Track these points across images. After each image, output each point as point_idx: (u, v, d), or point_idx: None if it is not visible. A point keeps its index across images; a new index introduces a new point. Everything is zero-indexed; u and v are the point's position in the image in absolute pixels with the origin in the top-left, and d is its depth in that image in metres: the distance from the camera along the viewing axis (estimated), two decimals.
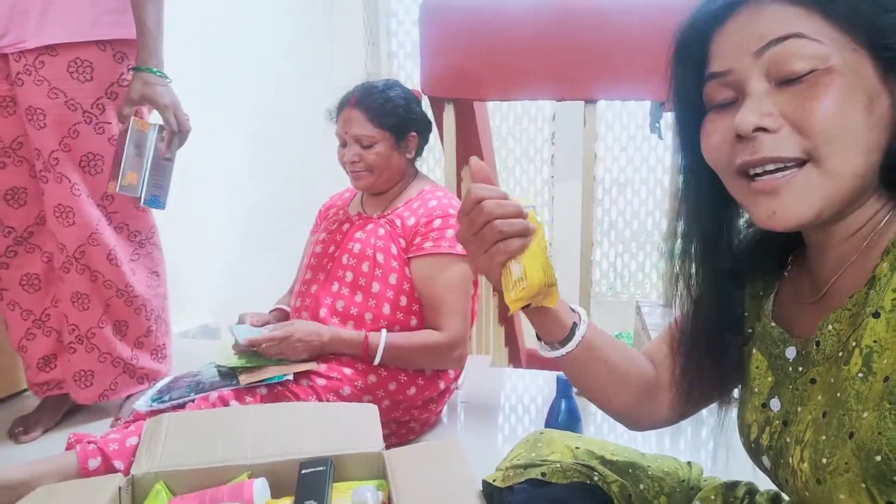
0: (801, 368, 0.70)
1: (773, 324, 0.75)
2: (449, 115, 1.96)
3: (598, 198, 4.88)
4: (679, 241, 0.80)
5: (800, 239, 0.74)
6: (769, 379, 0.75)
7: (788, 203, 0.62)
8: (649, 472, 0.90)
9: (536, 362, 2.80)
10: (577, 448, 0.92)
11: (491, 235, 0.72)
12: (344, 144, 1.59)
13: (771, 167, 0.63)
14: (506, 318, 2.99)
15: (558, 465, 0.88)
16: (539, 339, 0.86)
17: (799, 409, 0.69)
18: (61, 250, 1.58)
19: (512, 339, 3.18)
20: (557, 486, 0.86)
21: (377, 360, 1.47)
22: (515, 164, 5.01)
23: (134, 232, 1.68)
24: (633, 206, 4.93)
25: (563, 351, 0.84)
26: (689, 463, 0.96)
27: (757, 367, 0.77)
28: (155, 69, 1.48)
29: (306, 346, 1.44)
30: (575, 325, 0.84)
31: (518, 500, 0.87)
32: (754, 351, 0.78)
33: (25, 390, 1.89)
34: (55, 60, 1.48)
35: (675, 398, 0.86)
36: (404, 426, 1.56)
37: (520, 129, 4.95)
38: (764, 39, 0.62)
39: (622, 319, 4.36)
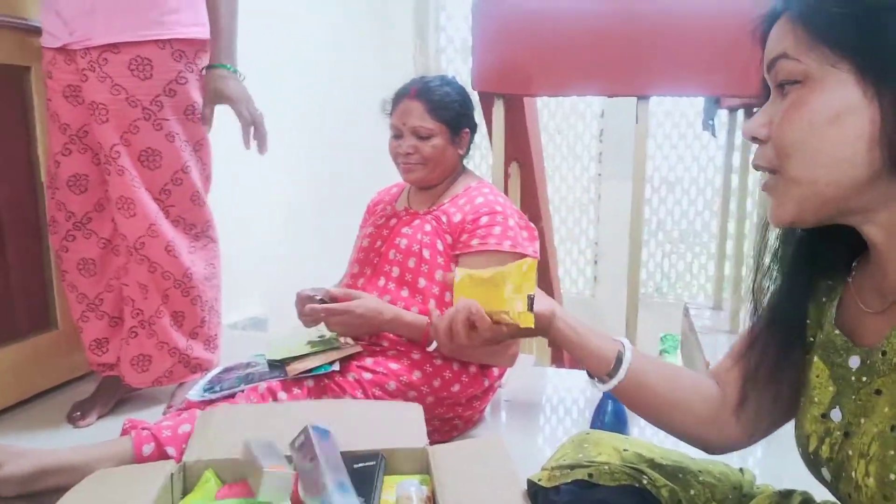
0: (864, 378, 0.68)
1: (837, 331, 0.73)
2: (498, 110, 1.95)
3: (647, 196, 4.79)
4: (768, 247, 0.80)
5: (863, 243, 0.71)
6: (830, 388, 0.72)
7: (774, 205, 0.69)
8: (700, 478, 0.88)
9: (579, 363, 2.76)
10: (626, 450, 0.90)
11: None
12: (399, 136, 1.59)
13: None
14: None
15: (606, 467, 0.86)
16: (589, 375, 0.92)
17: (862, 421, 0.66)
18: (123, 240, 1.64)
19: None
20: (604, 488, 0.85)
21: (433, 347, 1.47)
22: (562, 162, 4.95)
23: (190, 225, 1.72)
24: (682, 206, 4.82)
25: (613, 383, 0.88)
26: (740, 469, 0.94)
27: (817, 377, 0.74)
28: (228, 65, 1.54)
29: (366, 322, 1.45)
30: (620, 354, 0.87)
31: (564, 501, 0.86)
32: (815, 359, 0.75)
33: (85, 375, 1.95)
34: (117, 58, 1.53)
35: (745, 418, 0.84)
36: (448, 423, 1.56)
37: (567, 126, 4.89)
38: (768, 56, 0.69)
39: (668, 321, 4.28)
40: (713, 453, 0.91)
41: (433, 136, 1.57)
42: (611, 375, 0.87)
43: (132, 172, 1.59)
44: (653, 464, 0.88)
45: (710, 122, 2.60)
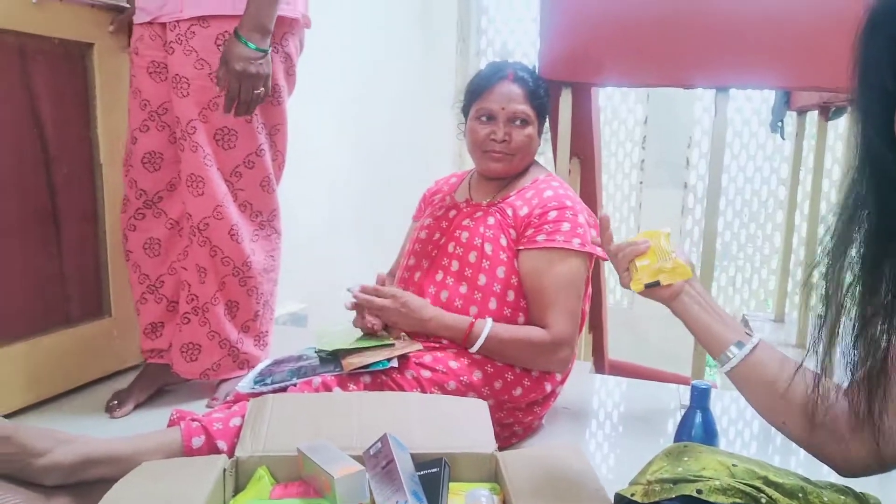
0: None
1: None
2: (566, 99, 1.86)
3: (690, 206, 4.66)
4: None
5: None
6: None
7: None
8: (824, 498, 0.78)
9: (619, 373, 2.67)
10: (735, 465, 0.82)
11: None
12: (490, 120, 1.49)
13: None
14: (595, 326, 2.87)
15: (717, 483, 0.77)
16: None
17: None
18: (188, 220, 1.60)
19: (599, 349, 3.05)
20: None
21: (475, 348, 1.39)
22: (604, 169, 4.84)
23: (257, 212, 1.68)
24: (743, 218, 4.64)
25: (727, 367, 0.91)
26: (862, 493, 0.83)
27: None
28: (243, 38, 1.44)
29: (405, 316, 1.39)
30: (740, 344, 0.90)
31: None
32: None
33: (136, 366, 1.88)
34: (205, 32, 1.50)
35: (868, 434, 0.78)
36: (507, 429, 1.47)
37: (609, 132, 4.79)
38: None
39: None
40: (842, 472, 0.83)
41: (530, 124, 1.48)
42: (724, 358, 0.91)
43: (206, 150, 1.55)
44: (767, 481, 0.79)
45: (780, 123, 2.49)
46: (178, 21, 1.51)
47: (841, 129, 3.52)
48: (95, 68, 1.72)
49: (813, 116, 2.64)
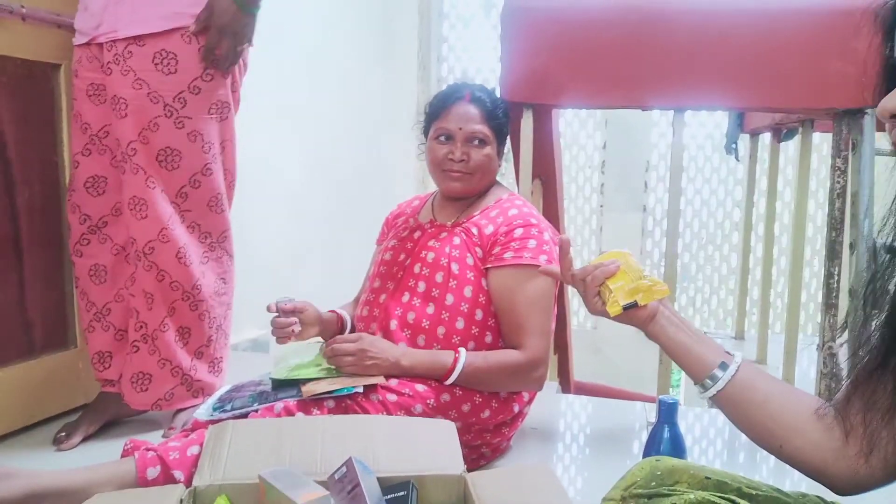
0: None
1: None
2: (527, 121, 1.87)
3: (649, 229, 4.74)
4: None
5: None
6: None
7: None
8: None
9: (585, 394, 2.67)
10: (708, 478, 0.81)
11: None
12: (448, 141, 1.49)
13: None
14: (560, 347, 2.87)
15: (691, 496, 0.76)
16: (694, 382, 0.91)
17: None
18: (132, 244, 1.55)
19: (564, 370, 3.04)
20: None
21: (451, 379, 1.36)
22: (564, 193, 4.89)
23: (205, 233, 1.62)
24: (700, 240, 4.73)
25: (710, 392, 0.87)
26: (833, 503, 0.83)
27: None
28: None
29: (378, 364, 1.34)
30: (725, 363, 0.87)
31: None
32: None
33: None
34: (142, 51, 1.47)
35: (872, 454, 0.76)
36: (475, 451, 1.44)
37: (569, 157, 4.85)
38: None
39: None
40: (841, 491, 0.82)
41: (488, 144, 1.48)
42: (709, 382, 0.87)
43: (148, 171, 1.50)
44: (741, 493, 0.79)
45: (734, 145, 2.56)
46: (114, 41, 1.47)
47: (791, 152, 3.64)
48: (62, 90, 1.66)
49: (765, 139, 2.72)
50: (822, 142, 4.07)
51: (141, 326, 1.56)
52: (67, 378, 1.73)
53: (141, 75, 1.47)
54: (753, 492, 0.79)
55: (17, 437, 1.61)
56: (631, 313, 0.93)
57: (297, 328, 1.44)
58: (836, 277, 1.76)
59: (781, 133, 2.55)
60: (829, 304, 1.78)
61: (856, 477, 0.79)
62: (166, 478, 1.10)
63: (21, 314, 1.64)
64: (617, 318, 0.94)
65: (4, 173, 1.58)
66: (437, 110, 1.52)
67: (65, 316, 1.74)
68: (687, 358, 0.90)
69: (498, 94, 1.57)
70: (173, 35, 1.46)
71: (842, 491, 0.82)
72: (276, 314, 1.43)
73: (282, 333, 1.43)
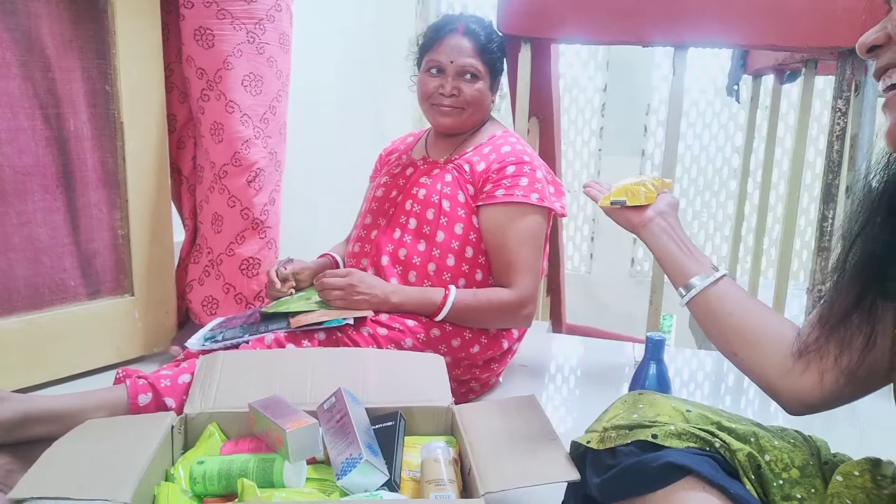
0: None
1: None
2: (525, 55, 1.81)
3: (647, 174, 4.71)
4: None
5: None
6: None
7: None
8: (775, 442, 0.79)
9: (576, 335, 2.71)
10: (689, 411, 0.82)
11: None
12: (439, 74, 1.46)
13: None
14: (552, 289, 2.88)
15: (672, 428, 0.77)
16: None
17: None
18: (211, 168, 1.60)
19: (556, 312, 3.07)
20: (673, 451, 0.75)
21: (440, 316, 1.37)
22: (563, 136, 4.84)
23: (278, 162, 1.67)
24: (698, 186, 4.71)
25: (685, 298, 0.93)
26: (810, 437, 0.85)
27: None
28: None
29: (367, 300, 1.35)
30: (704, 277, 0.91)
31: (627, 464, 0.76)
32: None
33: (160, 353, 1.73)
34: None
35: (814, 366, 0.80)
36: (464, 385, 1.46)
37: (569, 99, 4.78)
38: None
39: (668, 301, 4.22)
40: (787, 407, 0.85)
41: (480, 79, 1.45)
42: (687, 289, 0.92)
43: (229, 96, 1.56)
44: (721, 426, 0.80)
45: (735, 87, 2.51)
46: None
47: (794, 98, 3.58)
48: (115, 11, 1.51)
49: (768, 82, 2.67)
50: (825, 87, 4.00)
51: (208, 252, 1.65)
52: (123, 327, 1.62)
53: (224, 5, 1.52)
54: (733, 425, 0.80)
55: (66, 385, 1.50)
56: (625, 216, 1.02)
57: (293, 293, 1.45)
58: (830, 221, 1.75)
59: (784, 74, 2.50)
60: (822, 247, 1.78)
61: (799, 391, 0.81)
62: (158, 405, 1.11)
63: (74, 256, 1.52)
64: (614, 219, 1.04)
65: (53, 105, 1.44)
66: (429, 42, 1.47)
67: (122, 262, 1.61)
68: (672, 265, 0.95)
69: (494, 27, 1.52)
70: None
71: (784, 402, 0.84)
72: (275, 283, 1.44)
73: (278, 294, 1.44)
